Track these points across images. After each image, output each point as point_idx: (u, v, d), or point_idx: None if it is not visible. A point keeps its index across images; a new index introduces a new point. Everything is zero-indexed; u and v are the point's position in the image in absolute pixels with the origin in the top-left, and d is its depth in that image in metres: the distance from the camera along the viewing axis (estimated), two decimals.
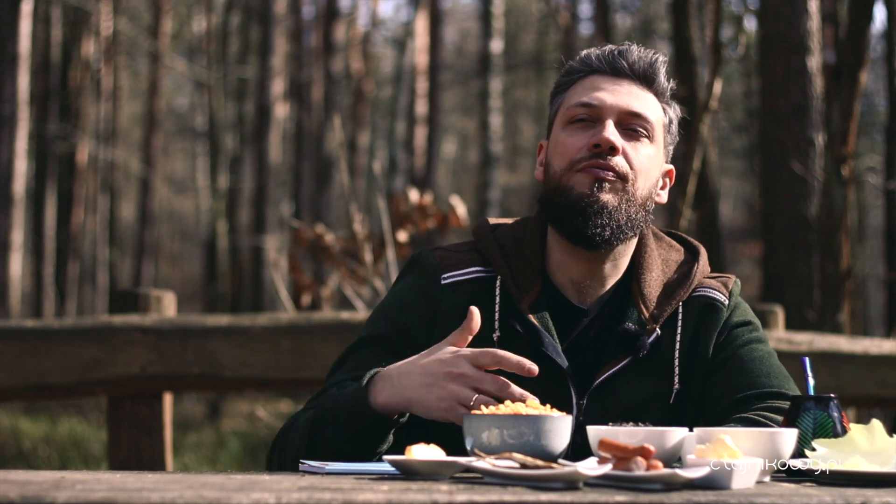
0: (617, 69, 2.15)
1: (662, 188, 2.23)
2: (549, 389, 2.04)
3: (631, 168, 2.10)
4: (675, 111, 2.22)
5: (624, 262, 2.18)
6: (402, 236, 5.31)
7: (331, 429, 1.97)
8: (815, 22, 6.46)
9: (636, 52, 2.17)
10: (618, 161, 2.09)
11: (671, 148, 2.23)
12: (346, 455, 1.93)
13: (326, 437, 1.97)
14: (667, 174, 2.23)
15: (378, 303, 2.27)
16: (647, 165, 2.13)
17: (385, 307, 2.19)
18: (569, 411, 2.04)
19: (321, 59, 20.48)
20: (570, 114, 2.14)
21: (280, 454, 2.09)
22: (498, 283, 2.14)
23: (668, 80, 2.19)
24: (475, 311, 1.93)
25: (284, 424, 2.11)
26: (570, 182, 2.10)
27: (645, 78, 2.16)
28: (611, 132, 2.09)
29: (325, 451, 1.97)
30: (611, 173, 2.08)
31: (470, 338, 1.93)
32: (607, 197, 2.08)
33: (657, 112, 2.16)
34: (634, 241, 2.18)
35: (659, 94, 2.18)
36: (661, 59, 2.18)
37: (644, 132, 2.13)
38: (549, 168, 2.16)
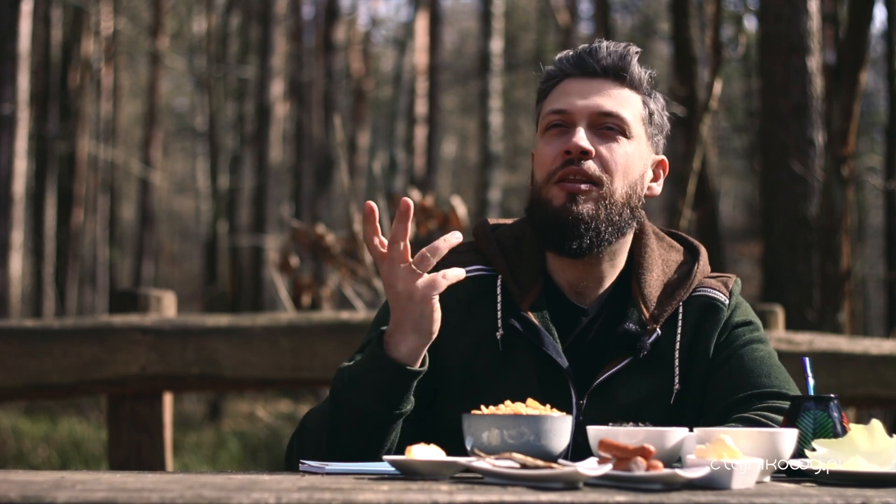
0: (587, 69, 2.13)
1: (654, 180, 2.20)
2: (550, 389, 2.05)
3: (606, 170, 2.08)
4: (657, 101, 2.18)
5: (621, 260, 2.16)
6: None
7: (355, 393, 1.97)
8: (815, 22, 6.46)
9: (605, 47, 2.14)
10: (590, 165, 2.07)
11: (659, 138, 2.20)
12: (371, 420, 1.95)
13: (352, 403, 1.97)
14: (658, 165, 2.21)
15: (380, 303, 2.27)
16: (625, 164, 2.10)
17: (388, 307, 2.18)
18: (569, 411, 2.04)
19: (321, 59, 20.48)
20: (546, 122, 2.13)
21: (302, 439, 2.08)
22: (499, 282, 2.13)
23: (645, 71, 2.16)
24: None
25: (301, 423, 2.11)
26: (548, 195, 2.10)
27: (616, 73, 2.13)
28: (580, 137, 2.07)
29: (350, 418, 1.97)
30: (584, 183, 2.07)
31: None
32: (583, 208, 2.06)
33: (634, 106, 2.13)
34: (629, 238, 2.17)
35: (635, 87, 2.14)
36: (633, 50, 2.15)
37: (618, 130, 2.10)
38: (533, 178, 2.16)
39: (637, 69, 2.14)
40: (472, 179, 25.56)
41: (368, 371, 1.95)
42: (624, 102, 2.12)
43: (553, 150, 2.10)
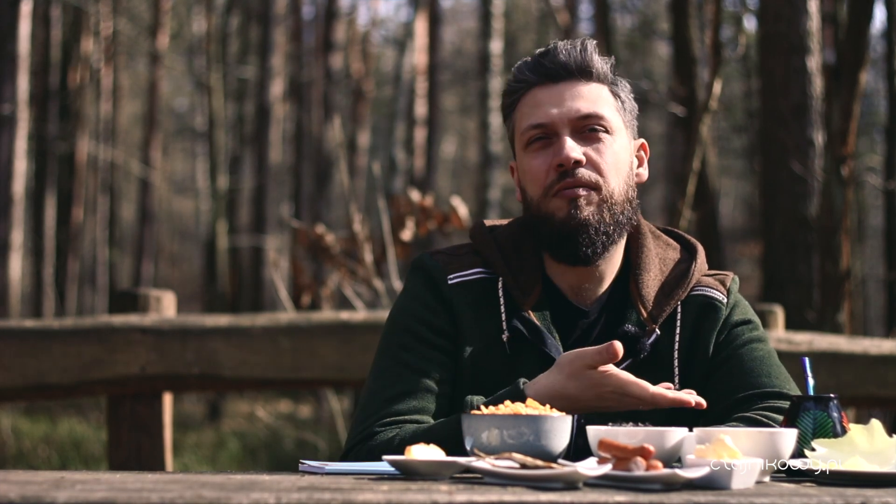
0: (551, 75, 2.11)
1: (640, 165, 2.20)
2: None
3: (600, 174, 2.08)
4: (623, 87, 2.17)
5: (618, 257, 2.16)
6: (406, 235, 5.31)
7: None
8: (815, 22, 6.46)
9: (563, 48, 2.12)
10: (584, 172, 2.06)
11: (634, 122, 2.19)
12: None
13: None
14: (640, 149, 2.21)
15: (389, 307, 2.25)
16: (615, 161, 2.10)
17: (406, 310, 2.15)
18: None
19: (321, 59, 20.47)
20: (526, 137, 2.11)
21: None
22: (500, 284, 2.13)
23: (606, 61, 2.14)
24: (617, 344, 1.88)
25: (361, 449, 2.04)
26: (548, 209, 2.08)
27: (581, 71, 2.11)
28: (569, 147, 2.06)
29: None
30: (582, 189, 2.06)
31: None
32: (586, 212, 2.06)
33: (606, 100, 2.12)
34: (625, 235, 2.16)
35: (601, 80, 2.13)
36: (591, 44, 2.13)
37: (602, 128, 2.09)
38: (525, 195, 2.15)
39: (599, 61, 2.12)
40: (472, 179, 25.55)
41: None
42: (597, 99, 2.11)
43: (543, 164, 2.09)
